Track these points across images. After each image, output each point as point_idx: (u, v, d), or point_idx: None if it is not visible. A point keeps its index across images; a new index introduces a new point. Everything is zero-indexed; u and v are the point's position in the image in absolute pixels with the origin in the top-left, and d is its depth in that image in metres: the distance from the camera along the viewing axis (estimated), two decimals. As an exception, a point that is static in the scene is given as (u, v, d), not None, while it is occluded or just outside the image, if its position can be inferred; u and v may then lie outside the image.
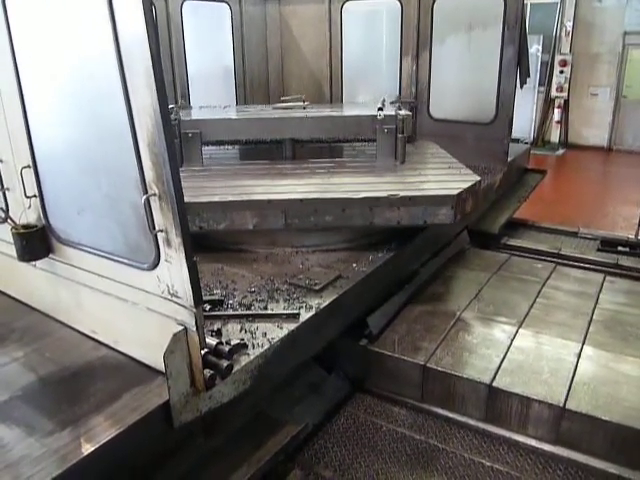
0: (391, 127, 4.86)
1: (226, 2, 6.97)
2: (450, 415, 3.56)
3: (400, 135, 4.90)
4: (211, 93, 6.92)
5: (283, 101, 5.79)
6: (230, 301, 3.39)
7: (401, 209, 4.03)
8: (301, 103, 5.58)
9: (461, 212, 4.20)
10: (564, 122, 15.62)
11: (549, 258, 5.46)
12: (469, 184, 4.29)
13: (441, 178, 4.62)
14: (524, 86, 6.40)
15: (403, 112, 4.94)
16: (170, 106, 5.35)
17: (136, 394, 2.50)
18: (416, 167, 4.91)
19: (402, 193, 4.06)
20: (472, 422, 3.49)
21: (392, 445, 3.36)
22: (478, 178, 4.47)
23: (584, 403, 3.20)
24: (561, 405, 3.19)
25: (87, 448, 2.21)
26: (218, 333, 3.00)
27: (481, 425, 3.47)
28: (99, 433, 2.29)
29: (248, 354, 2.83)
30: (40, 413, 2.45)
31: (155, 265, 2.44)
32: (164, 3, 6.15)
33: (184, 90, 6.55)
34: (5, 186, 3.05)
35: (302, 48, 7.50)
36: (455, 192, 4.09)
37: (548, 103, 15.68)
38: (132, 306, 2.65)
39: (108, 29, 2.13)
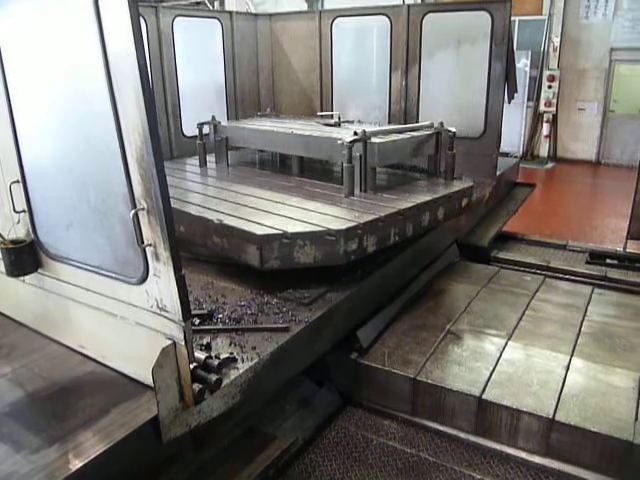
0: (345, 154, 4.39)
1: (217, 18, 7.04)
2: (440, 428, 3.56)
3: (347, 164, 4.40)
4: (202, 107, 6.95)
5: (320, 116, 5.99)
6: (220, 315, 3.39)
7: (223, 238, 3.81)
8: (335, 119, 5.65)
9: (284, 259, 3.60)
10: (553, 136, 15.75)
11: (538, 271, 5.49)
12: (310, 228, 3.68)
13: (322, 219, 3.86)
14: (512, 101, 6.48)
15: (374, 139, 4.49)
16: (258, 113, 6.60)
17: (125, 409, 2.49)
18: (348, 206, 4.26)
19: (227, 220, 3.82)
20: (462, 435, 3.49)
21: (383, 459, 3.36)
22: (346, 226, 3.68)
23: (573, 415, 3.21)
24: (550, 417, 3.20)
25: (75, 464, 2.20)
26: (207, 347, 3.00)
27: (471, 438, 3.47)
28: (87, 449, 2.28)
29: (237, 368, 2.82)
30: (28, 429, 2.43)
31: (144, 279, 2.44)
32: (155, 19, 6.20)
33: (175, 104, 6.59)
34: (-6, 201, 3.05)
35: (293, 63, 7.56)
36: (260, 232, 3.62)
37: (537, 118, 15.81)
38: (121, 321, 2.65)
39: (97, 48, 2.16)
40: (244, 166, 5.90)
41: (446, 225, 4.93)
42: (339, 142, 4.47)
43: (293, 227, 3.71)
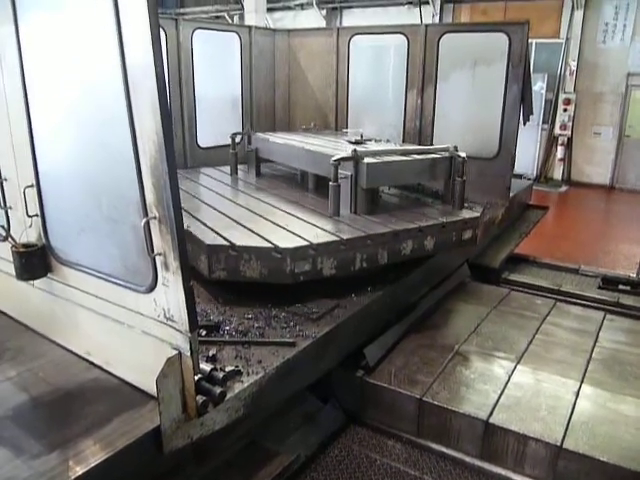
0: (329, 172, 4.39)
1: (236, 32, 7.11)
2: (446, 451, 3.50)
3: (332, 183, 4.35)
4: (218, 119, 7.03)
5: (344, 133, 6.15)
6: (226, 327, 3.37)
7: (188, 244, 3.77)
8: (357, 137, 5.65)
9: (231, 271, 3.62)
10: (567, 160, 15.72)
11: (549, 294, 5.43)
12: (258, 243, 3.70)
13: (281, 237, 3.83)
14: (527, 123, 6.46)
15: (367, 159, 4.39)
16: (303, 126, 6.83)
17: (127, 418, 2.48)
18: (323, 226, 4.15)
19: (193, 227, 3.96)
20: (467, 459, 3.43)
21: (386, 480, 3.31)
22: (294, 245, 3.66)
23: (581, 443, 3.15)
24: (558, 444, 3.14)
25: (75, 471, 2.18)
26: (213, 359, 2.98)
27: (477, 462, 3.41)
28: (88, 456, 2.26)
29: (242, 381, 2.80)
30: (29, 434, 2.41)
31: (152, 288, 2.44)
32: (175, 31, 6.28)
33: (191, 115, 6.65)
34: (8, 205, 3.07)
35: (309, 79, 7.60)
36: (209, 241, 3.67)
37: (551, 141, 15.80)
38: (128, 329, 2.64)
39: (116, 56, 2.18)
40: (271, 178, 6.00)
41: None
42: (332, 160, 4.38)
43: (241, 240, 3.70)
